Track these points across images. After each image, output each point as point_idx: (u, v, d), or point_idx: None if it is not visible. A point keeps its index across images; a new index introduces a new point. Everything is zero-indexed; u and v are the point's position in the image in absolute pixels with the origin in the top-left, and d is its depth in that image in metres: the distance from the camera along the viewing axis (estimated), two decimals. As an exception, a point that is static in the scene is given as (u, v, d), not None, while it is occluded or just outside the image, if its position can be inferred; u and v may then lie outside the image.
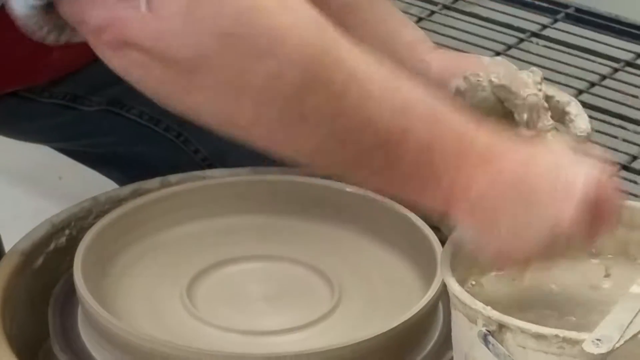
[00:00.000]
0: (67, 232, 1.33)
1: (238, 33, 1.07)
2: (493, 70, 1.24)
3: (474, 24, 2.33)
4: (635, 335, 1.01)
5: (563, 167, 1.07)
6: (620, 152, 2.03)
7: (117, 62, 1.11)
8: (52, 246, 1.32)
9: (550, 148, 1.10)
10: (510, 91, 1.21)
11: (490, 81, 1.22)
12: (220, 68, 1.11)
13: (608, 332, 1.00)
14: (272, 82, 1.08)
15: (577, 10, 2.29)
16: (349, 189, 1.35)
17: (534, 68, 1.26)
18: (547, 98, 1.22)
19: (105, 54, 1.11)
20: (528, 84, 1.22)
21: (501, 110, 1.23)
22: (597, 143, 2.07)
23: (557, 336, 1.02)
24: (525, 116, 1.20)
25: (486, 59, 1.29)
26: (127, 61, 1.10)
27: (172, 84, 1.12)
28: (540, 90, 1.21)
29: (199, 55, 1.09)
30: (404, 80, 1.09)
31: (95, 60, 1.24)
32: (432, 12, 2.37)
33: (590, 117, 2.05)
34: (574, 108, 1.24)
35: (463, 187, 1.07)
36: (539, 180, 1.06)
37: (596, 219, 1.06)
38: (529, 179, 1.06)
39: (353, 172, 1.14)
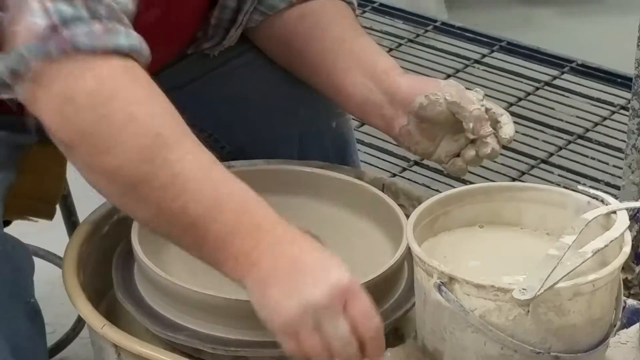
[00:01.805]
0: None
1: (92, 133, 1.07)
2: (447, 90, 1.23)
3: (431, 53, 2.33)
4: (551, 287, 1.01)
5: (325, 264, 1.06)
6: (540, 149, 2.03)
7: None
8: (115, 218, 1.31)
9: (322, 248, 1.10)
10: (459, 106, 1.20)
11: (445, 99, 1.21)
12: (81, 155, 1.11)
13: (531, 283, 1.00)
14: (114, 172, 1.08)
15: (509, 43, 2.30)
16: (338, 175, 1.34)
17: (478, 88, 1.25)
18: (486, 110, 1.22)
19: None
20: (473, 100, 1.21)
21: (453, 120, 1.22)
22: (521, 143, 2.11)
23: (492, 286, 1.01)
24: (471, 125, 1.20)
25: (442, 82, 1.28)
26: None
27: (59, 146, 1.13)
28: (482, 105, 1.21)
29: (68, 142, 1.10)
30: (226, 180, 1.10)
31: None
32: (400, 45, 2.36)
33: (518, 123, 2.07)
34: (505, 118, 1.24)
35: (253, 264, 1.06)
36: (306, 268, 1.05)
37: (350, 316, 1.05)
38: (299, 267, 1.05)
39: (174, 242, 1.15)
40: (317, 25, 1.35)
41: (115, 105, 1.07)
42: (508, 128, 1.22)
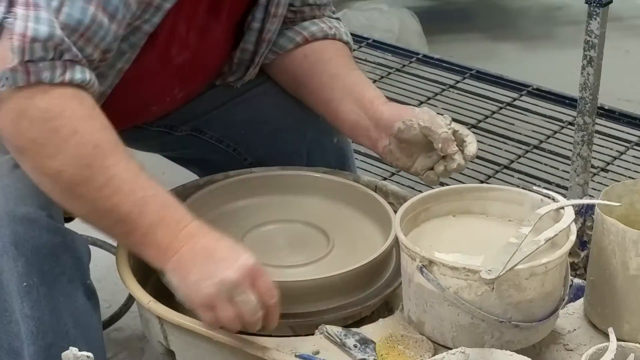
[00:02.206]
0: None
1: (41, 142, 1.07)
2: (420, 117, 1.21)
3: (415, 80, 2.30)
4: (511, 268, 1.01)
5: (234, 250, 1.07)
6: (503, 157, 2.01)
7: None
8: None
9: (228, 239, 1.11)
10: (430, 130, 1.19)
11: (419, 124, 1.20)
12: (30, 159, 1.11)
13: (495, 266, 1.00)
14: (58, 174, 1.09)
15: (477, 71, 2.27)
16: (339, 179, 1.33)
17: (446, 115, 1.24)
18: (454, 131, 1.21)
19: None
20: (442, 125, 1.20)
21: (426, 141, 1.21)
22: (488, 152, 2.10)
23: (464, 268, 1.02)
24: (440, 145, 1.19)
25: (417, 109, 1.26)
26: None
27: (12, 153, 1.13)
28: (450, 128, 1.20)
29: (20, 148, 1.10)
30: (151, 184, 1.10)
31: (183, 105, 1.23)
32: (389, 73, 2.35)
33: (485, 136, 2.07)
34: (470, 138, 1.23)
35: (174, 252, 1.07)
36: (219, 255, 1.06)
37: (257, 290, 1.06)
38: (213, 254, 1.06)
39: (107, 235, 1.16)
40: (318, 63, 1.34)
41: (62, 120, 1.07)
42: (472, 147, 1.21)
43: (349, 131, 1.32)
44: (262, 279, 1.06)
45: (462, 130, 1.21)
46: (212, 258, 1.06)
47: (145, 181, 1.09)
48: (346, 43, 1.37)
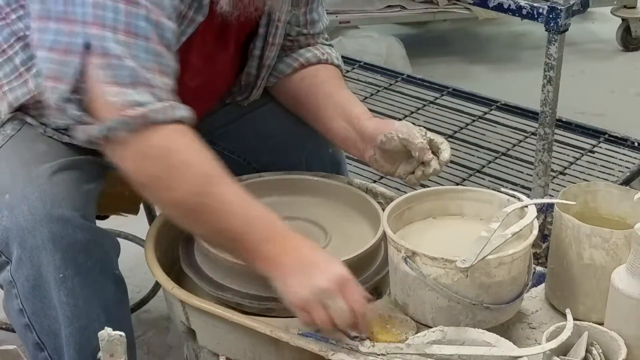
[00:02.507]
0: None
1: (160, 177, 1.08)
2: (399, 130, 1.21)
3: (400, 97, 2.28)
4: (483, 259, 1.01)
5: (328, 261, 1.06)
6: (475, 163, 2.00)
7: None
8: None
9: (322, 250, 1.12)
10: (408, 141, 1.18)
11: (398, 136, 1.19)
12: (152, 193, 1.12)
13: (469, 256, 1.01)
14: (177, 203, 1.10)
15: (454, 89, 2.26)
16: (335, 182, 1.33)
17: (422, 127, 1.24)
18: (430, 140, 1.21)
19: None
20: (417, 136, 1.20)
21: (405, 150, 1.21)
22: (462, 158, 2.10)
23: (442, 258, 1.03)
24: (417, 154, 1.19)
25: (397, 123, 1.26)
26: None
27: (135, 185, 1.13)
28: (425, 139, 1.20)
29: (142, 184, 1.10)
30: (256, 205, 1.10)
31: (199, 122, 1.21)
32: (378, 91, 2.33)
33: (460, 144, 2.06)
34: (444, 146, 1.22)
35: (276, 262, 1.06)
36: (316, 264, 1.06)
37: (346, 298, 1.04)
38: (311, 264, 1.06)
39: (224, 249, 1.15)
40: (312, 85, 1.33)
41: (176, 156, 1.08)
42: (446, 153, 1.21)
43: (340, 144, 1.32)
44: (352, 288, 1.05)
45: (437, 138, 1.21)
46: (311, 267, 1.05)
47: (250, 203, 1.10)
48: (337, 66, 1.36)
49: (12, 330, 1.39)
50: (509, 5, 1.63)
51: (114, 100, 1.04)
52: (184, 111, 1.08)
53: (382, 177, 1.94)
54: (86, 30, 1.03)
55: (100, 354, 0.90)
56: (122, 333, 0.88)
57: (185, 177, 1.08)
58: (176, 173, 1.08)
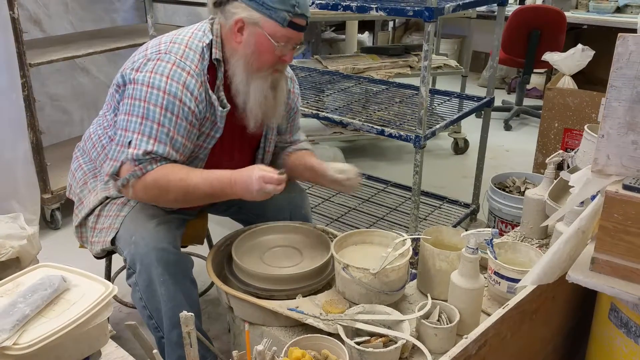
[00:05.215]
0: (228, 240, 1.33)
1: (159, 195, 1.08)
2: (330, 167, 1.22)
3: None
4: (383, 268, 1.04)
5: (252, 173, 1.07)
6: (378, 214, 2.01)
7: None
8: (225, 244, 1.30)
9: (248, 170, 1.08)
10: (331, 174, 1.20)
11: (329, 172, 1.20)
12: (156, 203, 1.11)
13: (376, 267, 1.01)
14: (172, 203, 1.10)
15: (369, 176, 2.25)
16: (305, 226, 1.31)
17: (338, 164, 1.23)
18: (341, 170, 1.20)
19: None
20: (332, 172, 1.20)
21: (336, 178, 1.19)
22: (370, 211, 2.04)
23: (363, 268, 1.05)
24: (334, 178, 1.18)
25: (330, 164, 1.24)
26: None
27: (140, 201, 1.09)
28: (336, 171, 1.19)
29: (149, 201, 1.10)
30: (213, 174, 1.07)
31: None
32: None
33: (369, 204, 2.05)
34: (346, 166, 1.21)
35: (235, 191, 1.08)
36: (249, 180, 1.07)
37: (268, 181, 1.06)
38: (247, 182, 1.07)
39: (210, 202, 1.10)
40: (298, 159, 1.33)
41: (164, 180, 1.08)
42: (350, 171, 1.21)
43: (314, 181, 1.28)
44: (268, 175, 1.07)
45: (343, 166, 1.23)
46: (249, 184, 1.08)
47: (209, 174, 1.09)
48: (309, 149, 1.38)
49: (134, 307, 1.36)
50: (390, 133, 1.64)
51: (130, 163, 1.06)
52: (174, 158, 1.08)
53: (332, 221, 1.96)
54: (133, 135, 1.09)
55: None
56: (192, 314, 0.87)
57: (172, 188, 1.08)
58: (166, 189, 1.08)
